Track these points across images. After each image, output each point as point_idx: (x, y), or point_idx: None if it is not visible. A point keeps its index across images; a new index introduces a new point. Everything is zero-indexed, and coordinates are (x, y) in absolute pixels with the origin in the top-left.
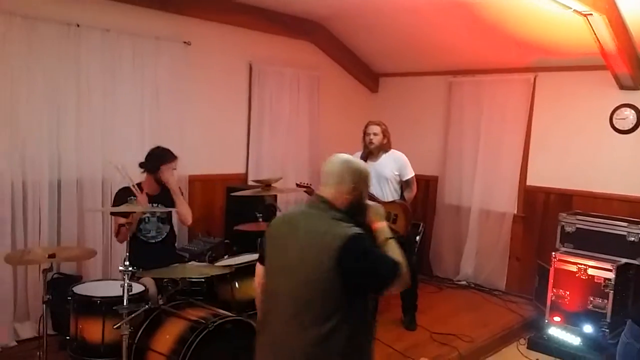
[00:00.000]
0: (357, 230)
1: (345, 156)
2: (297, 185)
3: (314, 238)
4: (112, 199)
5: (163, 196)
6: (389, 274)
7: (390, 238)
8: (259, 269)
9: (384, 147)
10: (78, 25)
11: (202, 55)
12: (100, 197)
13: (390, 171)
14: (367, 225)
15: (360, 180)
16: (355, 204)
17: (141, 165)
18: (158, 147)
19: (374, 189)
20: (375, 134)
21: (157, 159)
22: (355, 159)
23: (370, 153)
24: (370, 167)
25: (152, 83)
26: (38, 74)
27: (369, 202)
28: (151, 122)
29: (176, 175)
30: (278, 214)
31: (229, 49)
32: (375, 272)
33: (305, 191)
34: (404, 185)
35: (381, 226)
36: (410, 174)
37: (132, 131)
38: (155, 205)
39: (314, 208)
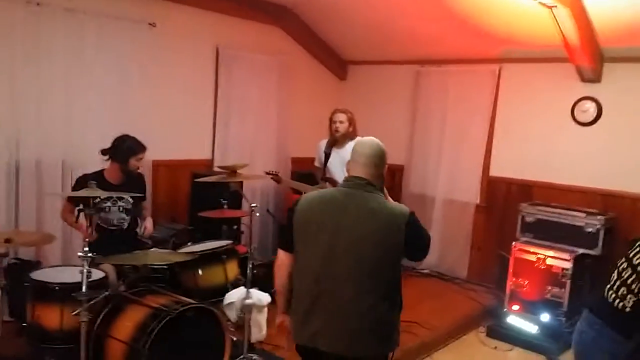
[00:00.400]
0: (407, 207)
1: (377, 140)
2: (266, 173)
3: (373, 216)
4: (73, 183)
5: (127, 185)
6: (429, 246)
7: None
8: (285, 255)
9: (350, 135)
10: (38, 4)
11: (168, 37)
12: (60, 181)
13: None
14: None
15: (386, 160)
16: (383, 184)
17: (105, 152)
18: (127, 137)
19: (338, 175)
20: (341, 122)
21: (128, 150)
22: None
23: (336, 141)
24: (336, 154)
25: (116, 65)
26: None
27: None
28: (114, 104)
29: (140, 166)
30: (305, 196)
31: (195, 32)
32: (426, 244)
33: (272, 179)
34: None
35: None
36: None
37: (94, 114)
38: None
39: (357, 188)
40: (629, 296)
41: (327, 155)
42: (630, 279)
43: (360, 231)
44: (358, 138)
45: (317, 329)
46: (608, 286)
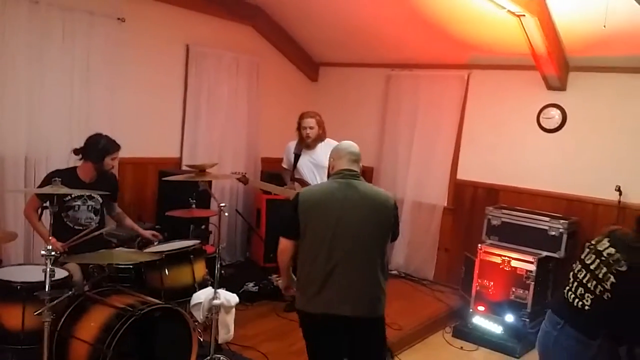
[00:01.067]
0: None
1: (351, 142)
2: (232, 173)
3: (374, 201)
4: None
5: (99, 184)
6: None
7: None
8: (289, 242)
9: (320, 137)
10: None
11: (137, 33)
12: (23, 177)
13: (326, 160)
14: None
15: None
16: None
17: (78, 152)
18: (101, 137)
19: (308, 176)
20: (311, 128)
21: (102, 150)
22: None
23: (307, 146)
24: (307, 157)
25: (83, 60)
26: None
27: None
28: (80, 100)
29: (114, 166)
30: (305, 190)
31: (165, 28)
32: (398, 225)
33: (239, 179)
34: None
35: None
36: None
37: (60, 109)
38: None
39: (351, 177)
40: (586, 295)
41: (297, 157)
42: (586, 279)
43: (362, 213)
44: (328, 140)
45: (332, 298)
46: (567, 288)
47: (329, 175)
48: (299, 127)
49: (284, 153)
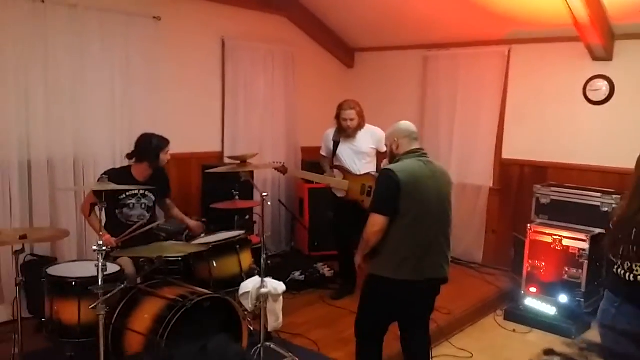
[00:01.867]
0: None
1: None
2: (274, 167)
3: (446, 176)
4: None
5: (152, 182)
6: None
7: None
8: (385, 219)
9: (360, 126)
10: (43, 1)
11: (173, 31)
12: (72, 177)
13: (367, 146)
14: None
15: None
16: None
17: (132, 155)
18: (151, 136)
19: (350, 164)
20: (351, 120)
21: (157, 148)
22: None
23: (347, 135)
24: (347, 144)
25: (122, 60)
26: (4, 53)
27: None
28: (122, 100)
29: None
30: (399, 169)
31: (200, 24)
32: None
33: (278, 169)
34: (381, 157)
35: None
36: (384, 147)
37: (102, 110)
38: (143, 192)
39: (426, 156)
40: (634, 265)
41: (336, 144)
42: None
43: (445, 189)
44: (368, 126)
45: (435, 264)
46: (616, 266)
47: (392, 155)
48: (338, 117)
49: (322, 141)
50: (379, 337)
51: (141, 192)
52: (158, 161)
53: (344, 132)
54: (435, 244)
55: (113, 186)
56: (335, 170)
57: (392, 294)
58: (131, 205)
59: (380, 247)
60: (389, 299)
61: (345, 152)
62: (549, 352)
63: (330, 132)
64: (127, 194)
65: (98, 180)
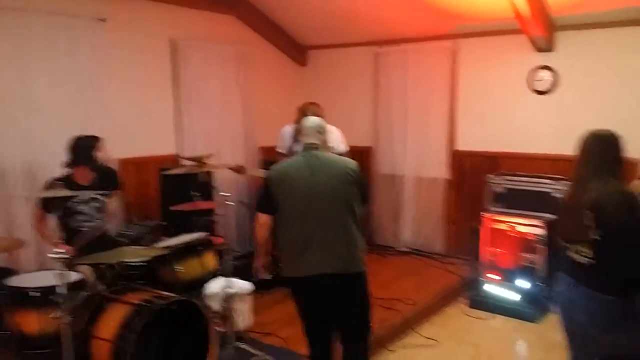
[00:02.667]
0: None
1: (314, 117)
2: (230, 168)
3: (334, 163)
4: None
5: (99, 183)
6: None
7: None
8: (266, 217)
9: None
10: None
11: (120, 32)
12: (27, 184)
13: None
14: None
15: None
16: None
17: (68, 163)
18: (78, 138)
19: None
20: None
21: (87, 149)
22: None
23: None
24: None
25: (69, 65)
26: None
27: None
28: (73, 105)
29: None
30: (273, 167)
31: (148, 25)
32: (367, 187)
33: (235, 170)
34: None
35: None
36: (344, 148)
37: (52, 115)
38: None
39: (313, 149)
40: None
41: (295, 141)
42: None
43: (330, 176)
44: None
45: (314, 260)
46: (568, 250)
47: None
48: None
49: (280, 138)
50: (316, 338)
51: (88, 196)
52: (94, 160)
53: None
54: (317, 239)
55: (66, 192)
56: None
57: (293, 291)
58: (82, 212)
59: (278, 245)
60: (294, 297)
61: None
62: None
63: (288, 129)
64: (74, 200)
65: (46, 188)
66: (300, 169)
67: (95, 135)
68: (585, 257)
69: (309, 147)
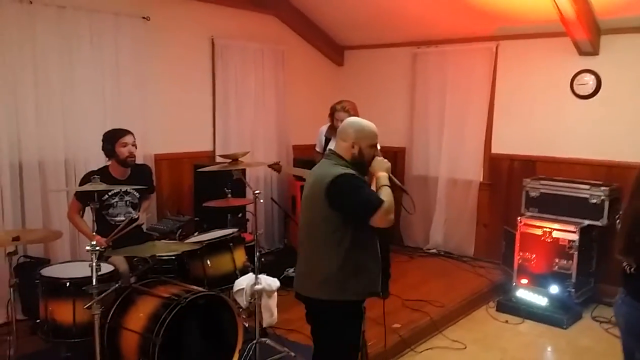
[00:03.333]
0: (347, 171)
1: (354, 118)
2: (268, 166)
3: (316, 179)
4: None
5: (132, 179)
6: (363, 208)
7: (385, 185)
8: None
9: None
10: (31, 2)
11: (163, 30)
12: (64, 178)
13: None
14: (371, 175)
15: (360, 136)
16: (357, 157)
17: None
18: (107, 131)
19: None
20: (341, 121)
21: (110, 140)
22: (361, 119)
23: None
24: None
25: (112, 61)
26: None
27: (378, 157)
28: (112, 101)
29: (140, 154)
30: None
31: (189, 23)
32: (352, 204)
33: (273, 168)
34: None
35: (380, 175)
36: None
37: (93, 111)
38: (125, 189)
39: (326, 159)
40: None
41: (328, 140)
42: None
43: (309, 192)
44: None
45: (295, 277)
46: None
47: None
48: (332, 114)
49: (317, 137)
50: None
51: (123, 190)
52: (116, 154)
53: (335, 130)
54: (299, 253)
55: (103, 186)
56: None
57: None
58: (115, 205)
59: None
60: None
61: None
62: None
63: (324, 128)
64: (109, 194)
65: (84, 183)
66: (309, 176)
67: (125, 129)
68: (631, 267)
69: (327, 153)
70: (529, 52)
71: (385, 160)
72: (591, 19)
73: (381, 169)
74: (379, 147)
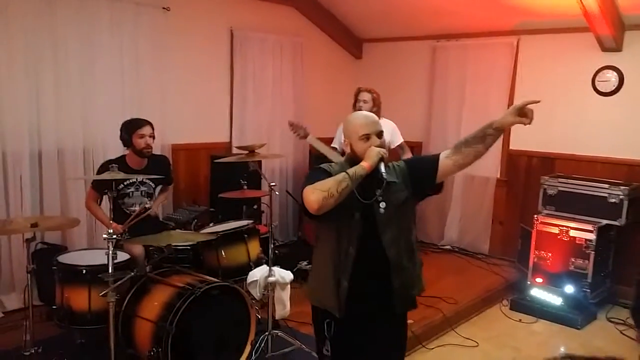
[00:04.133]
0: (325, 165)
1: (355, 113)
2: (290, 126)
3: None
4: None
5: (149, 169)
6: (303, 195)
7: (347, 174)
8: None
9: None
10: None
11: (182, 21)
12: (82, 167)
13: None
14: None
15: (348, 132)
16: (350, 153)
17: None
18: (128, 119)
19: None
20: (365, 102)
21: (128, 130)
22: (354, 113)
23: None
24: None
25: (131, 50)
26: (14, 44)
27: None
28: (131, 90)
29: (158, 144)
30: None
31: (209, 14)
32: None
33: (296, 132)
34: (399, 151)
35: (360, 165)
36: (399, 140)
37: (112, 100)
38: (140, 179)
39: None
40: None
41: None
42: None
43: None
44: (384, 119)
45: None
46: None
47: None
48: (355, 100)
49: (336, 133)
50: None
51: (139, 180)
52: (133, 145)
53: None
54: None
55: (121, 175)
56: None
57: None
58: (130, 194)
59: None
60: None
61: None
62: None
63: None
64: (125, 183)
65: (102, 171)
66: None
67: (144, 119)
68: None
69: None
70: (550, 47)
71: (378, 149)
72: (615, 14)
73: (367, 159)
74: (401, 140)
